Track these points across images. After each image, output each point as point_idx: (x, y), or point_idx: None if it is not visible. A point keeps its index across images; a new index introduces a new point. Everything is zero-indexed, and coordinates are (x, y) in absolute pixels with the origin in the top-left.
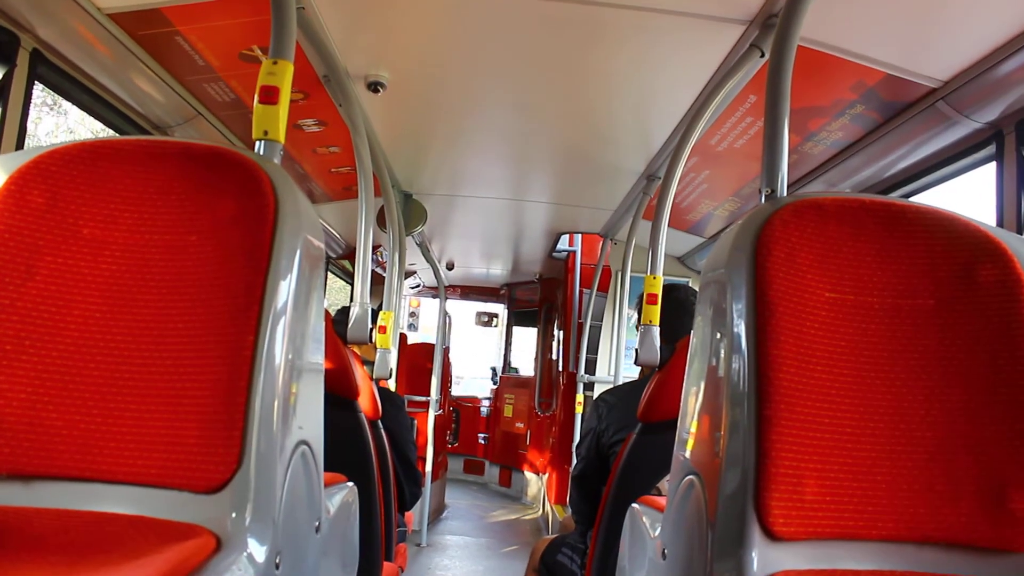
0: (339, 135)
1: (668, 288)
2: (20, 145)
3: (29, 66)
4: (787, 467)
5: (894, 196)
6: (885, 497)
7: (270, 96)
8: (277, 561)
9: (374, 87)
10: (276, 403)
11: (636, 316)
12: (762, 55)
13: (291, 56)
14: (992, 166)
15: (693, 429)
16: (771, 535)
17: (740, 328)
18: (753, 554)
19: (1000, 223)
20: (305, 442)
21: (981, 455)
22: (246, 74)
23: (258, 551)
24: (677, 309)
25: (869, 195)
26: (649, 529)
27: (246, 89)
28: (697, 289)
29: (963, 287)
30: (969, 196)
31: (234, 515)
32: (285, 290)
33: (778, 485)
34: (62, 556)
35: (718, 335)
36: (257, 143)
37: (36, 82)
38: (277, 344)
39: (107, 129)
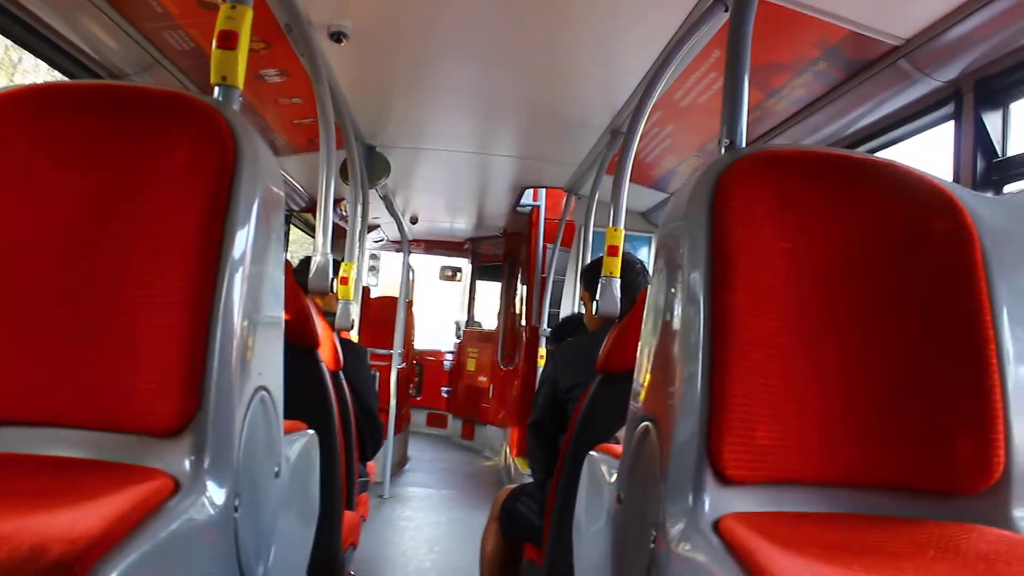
0: (302, 86)
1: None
2: None
3: None
4: (739, 413)
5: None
6: (835, 443)
7: (228, 41)
8: (236, 504)
9: (337, 37)
10: (234, 348)
11: (583, 288)
12: (726, 9)
13: (250, 1)
14: (951, 125)
15: (649, 377)
16: (723, 479)
17: (696, 277)
18: (705, 496)
19: (956, 181)
20: (264, 388)
21: (928, 404)
22: (205, 23)
23: (217, 493)
24: (625, 270)
25: (828, 148)
26: (606, 476)
27: (206, 38)
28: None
29: (916, 239)
30: (929, 154)
31: (192, 458)
32: (244, 237)
33: (730, 430)
34: (20, 499)
35: (674, 284)
36: (216, 89)
37: None
38: (236, 289)
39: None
